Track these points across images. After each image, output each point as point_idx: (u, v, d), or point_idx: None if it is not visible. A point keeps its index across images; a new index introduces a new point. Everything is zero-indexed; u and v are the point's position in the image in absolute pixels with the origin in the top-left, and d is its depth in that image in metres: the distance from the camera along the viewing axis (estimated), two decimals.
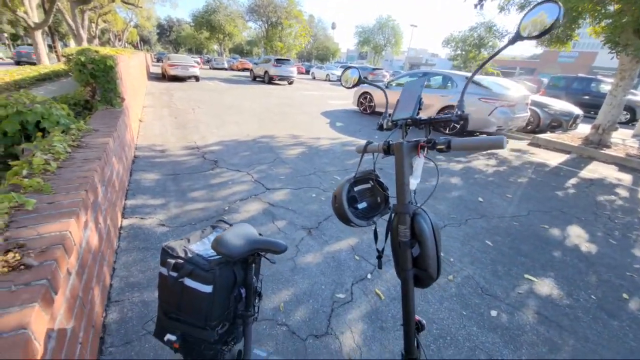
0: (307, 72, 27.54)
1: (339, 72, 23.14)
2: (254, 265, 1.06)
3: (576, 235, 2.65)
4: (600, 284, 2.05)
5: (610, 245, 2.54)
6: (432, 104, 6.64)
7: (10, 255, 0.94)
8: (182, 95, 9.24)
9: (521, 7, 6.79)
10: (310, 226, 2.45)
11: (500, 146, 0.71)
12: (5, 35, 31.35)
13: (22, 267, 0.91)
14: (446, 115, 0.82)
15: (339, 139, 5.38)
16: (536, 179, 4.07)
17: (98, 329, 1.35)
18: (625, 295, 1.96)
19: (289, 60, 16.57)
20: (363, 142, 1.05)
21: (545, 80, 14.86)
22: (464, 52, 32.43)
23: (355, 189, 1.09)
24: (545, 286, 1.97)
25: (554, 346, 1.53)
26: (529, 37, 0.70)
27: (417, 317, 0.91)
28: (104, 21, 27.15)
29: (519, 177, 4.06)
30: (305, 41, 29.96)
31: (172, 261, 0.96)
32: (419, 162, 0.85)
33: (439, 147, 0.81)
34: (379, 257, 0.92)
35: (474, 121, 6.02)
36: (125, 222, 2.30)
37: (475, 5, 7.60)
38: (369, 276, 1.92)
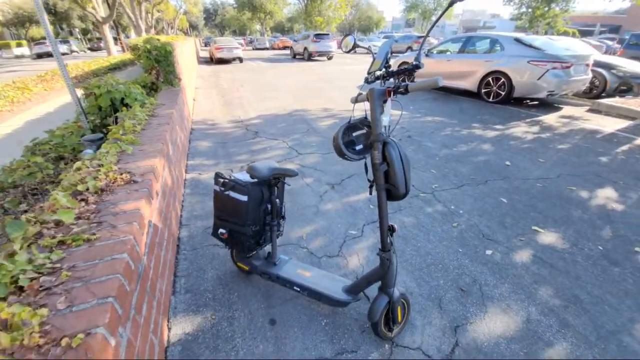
0: None
1: (381, 43, 22.10)
2: (276, 188, 1.47)
3: (605, 196, 2.60)
4: (614, 238, 2.09)
5: None
6: (475, 70, 6.26)
7: (125, 175, 1.47)
8: (228, 77, 9.97)
9: None
10: (334, 182, 2.81)
11: (436, 85, 0.98)
12: (77, 30, 35.66)
13: (132, 181, 1.44)
14: (406, 67, 1.08)
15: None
16: (582, 145, 3.83)
17: (175, 239, 1.92)
18: (637, 249, 1.99)
19: (327, 34, 16.36)
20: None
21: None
22: (529, 10, 28.29)
23: (354, 134, 1.41)
24: (551, 236, 2.09)
25: (539, 280, 1.72)
26: None
27: (390, 222, 1.23)
28: (158, 11, 29.30)
29: (561, 144, 3.85)
30: (345, 12, 28.87)
31: (221, 180, 1.41)
32: (388, 103, 1.14)
33: (400, 90, 1.09)
34: (371, 186, 1.21)
35: (521, 86, 5.59)
36: (188, 176, 2.92)
37: None
38: None
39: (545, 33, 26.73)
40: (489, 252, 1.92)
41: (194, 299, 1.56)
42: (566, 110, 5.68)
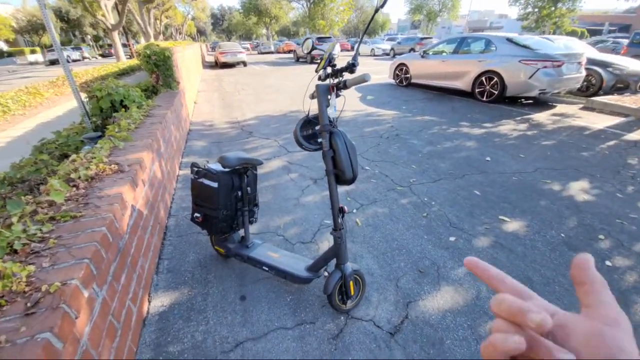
0: (352, 48, 27.03)
1: (385, 45, 22.21)
2: (246, 176, 1.63)
3: (578, 188, 2.68)
4: (578, 227, 2.18)
5: (613, 198, 2.54)
6: (468, 70, 6.35)
7: (113, 166, 1.66)
8: (230, 80, 10.25)
9: None
10: (316, 178, 2.97)
11: (364, 80, 1.12)
12: (89, 36, 37.01)
13: (119, 171, 1.62)
14: (343, 66, 1.23)
15: (364, 110, 5.65)
16: (566, 141, 3.89)
17: (162, 226, 2.10)
18: (601, 237, 2.08)
19: (329, 37, 16.60)
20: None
21: None
22: (536, 10, 28.06)
23: (317, 128, 1.56)
24: (515, 225, 2.20)
25: (496, 262, 1.83)
26: (382, 5, 1.08)
27: (341, 204, 1.37)
28: (166, 17, 30.08)
29: (546, 140, 3.93)
30: (348, 15, 29.13)
31: (196, 169, 1.58)
32: (333, 97, 1.30)
33: (339, 86, 1.24)
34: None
35: (513, 85, 5.66)
36: (181, 173, 3.11)
37: None
38: (354, 211, 2.39)
39: (553, 33, 26.44)
40: (452, 238, 2.05)
41: (174, 278, 1.73)
42: (559, 108, 5.71)
